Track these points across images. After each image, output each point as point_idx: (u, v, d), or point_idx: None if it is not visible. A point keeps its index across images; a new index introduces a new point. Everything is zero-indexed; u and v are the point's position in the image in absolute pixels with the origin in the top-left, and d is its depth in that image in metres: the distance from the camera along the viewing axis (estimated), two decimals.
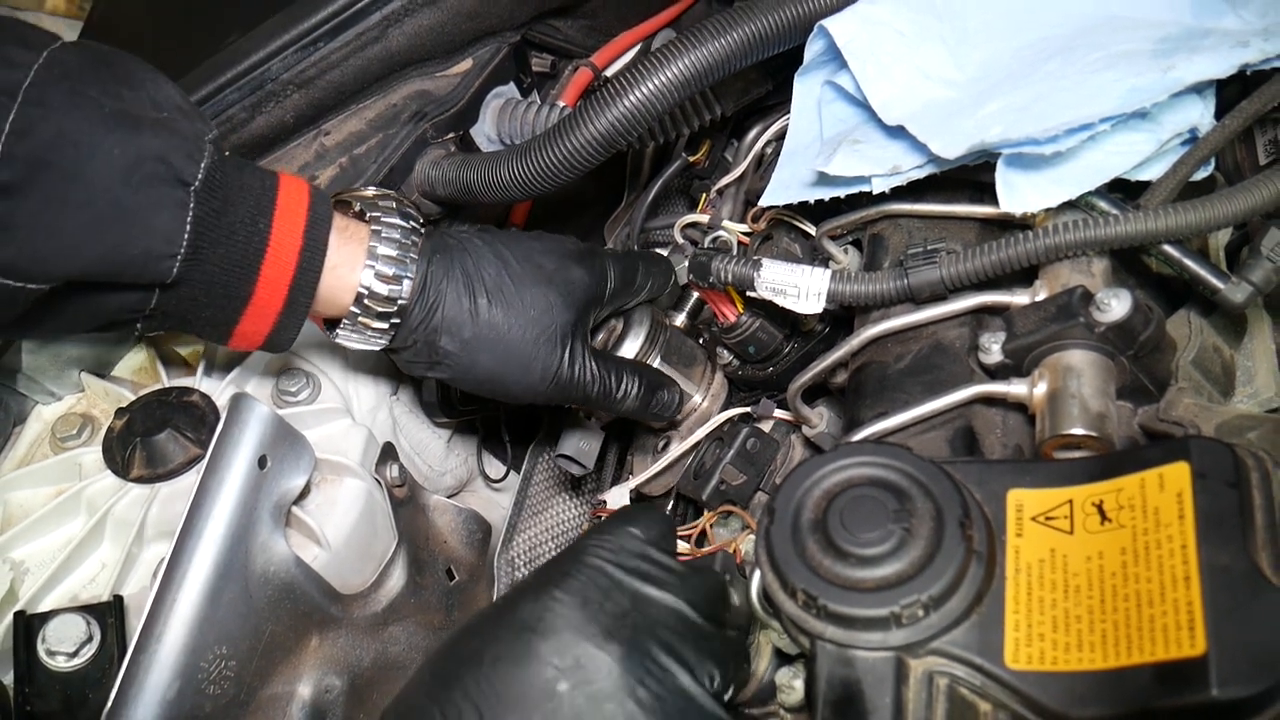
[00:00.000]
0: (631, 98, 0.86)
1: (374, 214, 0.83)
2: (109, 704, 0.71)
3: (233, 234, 0.75)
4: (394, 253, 0.81)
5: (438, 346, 0.84)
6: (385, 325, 0.82)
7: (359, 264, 0.80)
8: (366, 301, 0.81)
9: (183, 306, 0.76)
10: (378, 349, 0.85)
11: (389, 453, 0.97)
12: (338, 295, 0.81)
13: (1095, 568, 0.59)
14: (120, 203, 0.70)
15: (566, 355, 0.86)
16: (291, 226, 0.77)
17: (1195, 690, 0.52)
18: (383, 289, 0.81)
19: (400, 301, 0.81)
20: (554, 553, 1.11)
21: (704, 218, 1.07)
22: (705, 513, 0.92)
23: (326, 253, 0.79)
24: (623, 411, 0.93)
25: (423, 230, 0.85)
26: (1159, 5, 0.81)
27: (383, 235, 0.82)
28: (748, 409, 0.95)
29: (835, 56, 0.87)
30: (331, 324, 0.85)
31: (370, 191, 0.87)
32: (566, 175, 0.91)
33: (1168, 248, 0.74)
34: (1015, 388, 0.72)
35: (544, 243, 0.91)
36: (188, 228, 0.72)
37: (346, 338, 0.84)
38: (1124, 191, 0.77)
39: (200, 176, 0.72)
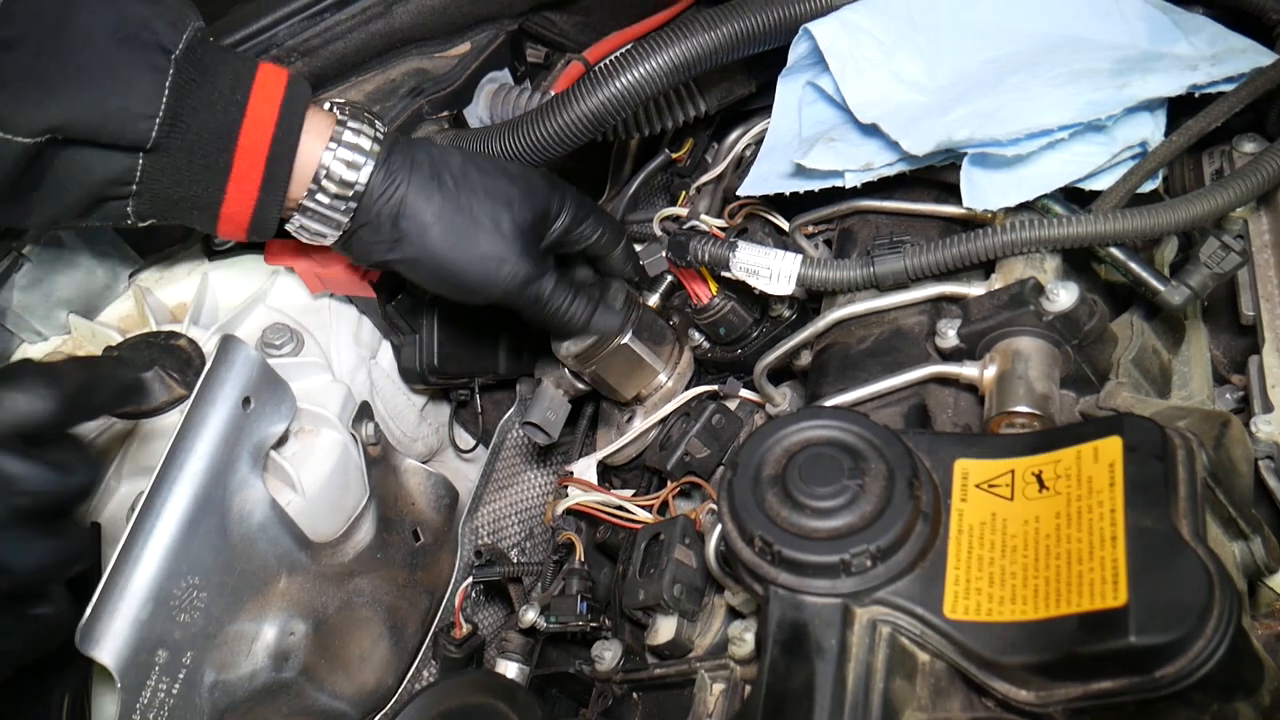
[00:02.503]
0: (623, 79, 0.91)
1: (343, 113, 0.87)
2: (83, 618, 0.72)
3: (211, 104, 0.79)
4: (357, 140, 0.85)
5: (399, 224, 0.86)
6: (343, 207, 0.85)
7: (323, 145, 0.84)
8: (324, 180, 0.84)
9: (166, 181, 0.80)
10: (336, 233, 0.87)
11: (365, 411, 0.99)
12: (303, 175, 0.84)
13: (1032, 530, 0.63)
14: (103, 58, 0.74)
15: (523, 249, 0.89)
16: (269, 101, 0.81)
17: (1115, 637, 0.55)
18: (342, 170, 0.84)
19: (357, 187, 0.84)
20: (517, 525, 1.14)
21: (682, 211, 1.11)
22: (669, 484, 0.95)
23: (302, 130, 0.83)
24: (566, 323, 0.95)
25: (384, 133, 0.88)
26: (1118, 30, 0.87)
27: (349, 125, 0.85)
28: (715, 388, 0.99)
29: (818, 60, 0.92)
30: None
31: (343, 99, 0.91)
32: (556, 150, 0.95)
33: (1114, 250, 0.79)
34: (968, 369, 0.76)
35: (509, 160, 0.95)
36: (166, 92, 0.76)
37: (307, 222, 0.86)
38: (1077, 201, 0.83)
39: (181, 46, 0.77)
